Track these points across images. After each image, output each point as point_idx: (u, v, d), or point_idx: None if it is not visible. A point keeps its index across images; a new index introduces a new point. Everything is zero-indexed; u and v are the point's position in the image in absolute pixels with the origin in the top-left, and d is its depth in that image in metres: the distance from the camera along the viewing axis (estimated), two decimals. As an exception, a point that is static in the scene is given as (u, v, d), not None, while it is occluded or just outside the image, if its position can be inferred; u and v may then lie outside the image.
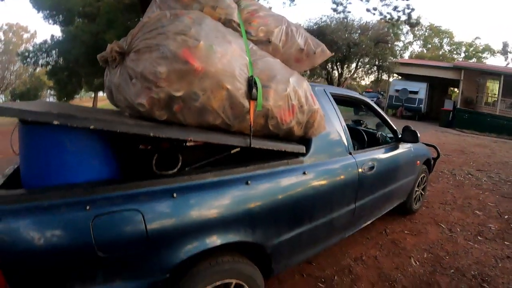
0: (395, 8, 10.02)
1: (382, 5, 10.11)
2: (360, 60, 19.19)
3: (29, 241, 1.26)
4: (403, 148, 3.43)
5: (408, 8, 10.07)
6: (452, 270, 2.98)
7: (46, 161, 1.46)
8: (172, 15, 1.58)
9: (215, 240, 1.64)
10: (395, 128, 3.46)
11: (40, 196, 1.34)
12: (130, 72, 1.52)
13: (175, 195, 1.52)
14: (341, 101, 3.06)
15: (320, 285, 2.66)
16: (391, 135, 3.69)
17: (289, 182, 2.02)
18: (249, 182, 1.79)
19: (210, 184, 1.66)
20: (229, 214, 1.71)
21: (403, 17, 10.32)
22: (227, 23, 1.85)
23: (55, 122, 1.28)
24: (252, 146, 1.78)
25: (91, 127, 1.33)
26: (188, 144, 1.82)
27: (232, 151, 1.85)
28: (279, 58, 2.01)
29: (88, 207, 1.33)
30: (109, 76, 2.19)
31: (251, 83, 1.66)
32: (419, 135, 3.29)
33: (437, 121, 18.74)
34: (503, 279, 2.90)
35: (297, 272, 2.80)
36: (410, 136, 3.27)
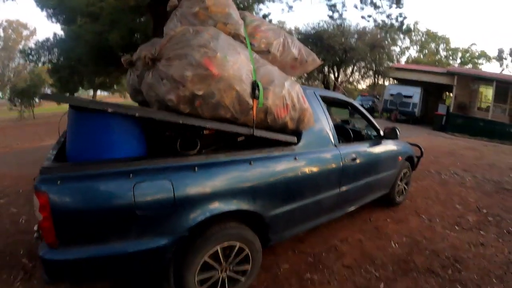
0: (388, 16, 10.51)
1: (376, 13, 10.61)
2: (356, 64, 19.59)
3: (81, 200, 1.71)
4: (385, 144, 3.88)
5: (401, 16, 10.57)
6: (428, 252, 3.36)
7: (93, 140, 1.90)
8: (194, 31, 2.03)
9: (225, 207, 2.10)
10: (378, 127, 3.93)
11: (93, 166, 1.77)
12: (162, 74, 1.97)
13: (196, 169, 1.99)
14: (330, 102, 3.57)
15: (310, 259, 3.09)
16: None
17: (283, 165, 2.50)
18: (252, 162, 2.27)
19: (222, 163, 2.14)
20: (236, 187, 2.19)
21: (396, 24, 10.79)
22: (236, 36, 2.31)
23: (110, 110, 1.73)
24: (254, 134, 2.27)
25: (136, 114, 1.79)
26: (204, 132, 2.30)
27: (239, 139, 2.36)
28: (277, 65, 2.50)
29: (131, 175, 1.78)
30: (132, 76, 2.66)
31: (254, 86, 2.14)
32: (398, 133, 3.75)
33: (431, 125, 19.07)
34: (474, 261, 3.24)
35: (290, 249, 3.24)
36: (391, 133, 3.75)
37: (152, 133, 2.29)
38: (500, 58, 45.16)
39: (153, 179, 1.86)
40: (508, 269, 3.14)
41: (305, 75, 18.66)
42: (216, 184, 2.08)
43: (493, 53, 55.83)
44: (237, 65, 2.05)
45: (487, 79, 20.10)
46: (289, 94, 2.34)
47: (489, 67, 50.72)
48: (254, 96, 2.13)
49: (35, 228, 2.12)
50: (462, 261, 3.22)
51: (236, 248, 2.25)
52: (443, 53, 47.05)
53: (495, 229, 4.08)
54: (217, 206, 2.06)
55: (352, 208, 3.57)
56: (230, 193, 2.14)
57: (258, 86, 2.14)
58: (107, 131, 1.89)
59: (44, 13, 17.73)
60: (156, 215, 1.87)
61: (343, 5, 14.99)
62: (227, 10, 2.32)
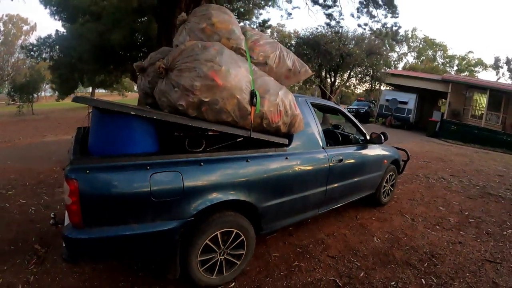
0: (384, 25, 10.87)
1: (372, 22, 10.97)
2: (353, 70, 19.82)
3: (106, 188, 2.03)
4: (371, 148, 4.23)
5: (396, 26, 10.95)
6: (407, 247, 3.64)
7: (115, 137, 2.24)
8: (202, 46, 2.38)
9: (225, 197, 2.46)
10: (365, 132, 4.26)
11: (116, 159, 2.11)
12: (174, 83, 2.32)
13: (202, 164, 2.36)
14: (320, 108, 3.94)
15: (298, 249, 3.43)
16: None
17: (275, 163, 2.88)
18: (248, 160, 2.65)
19: (224, 159, 2.51)
20: (234, 180, 2.55)
21: (391, 33, 11.16)
22: (237, 50, 2.66)
23: (132, 113, 2.07)
24: (251, 136, 2.65)
25: (154, 117, 2.13)
26: (209, 133, 2.67)
27: (238, 140, 2.73)
28: (273, 75, 2.85)
29: (148, 167, 2.13)
30: (143, 81, 2.99)
31: (252, 95, 2.51)
32: (383, 138, 4.09)
33: (425, 131, 19.31)
34: (450, 256, 3.51)
35: (281, 241, 3.58)
36: (376, 138, 4.09)
37: (163, 132, 2.61)
38: (496, 66, 45.53)
39: (166, 171, 2.20)
40: (483, 265, 3.39)
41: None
42: (218, 177, 2.44)
43: (489, 61, 56.38)
44: (238, 77, 2.41)
45: (481, 87, 20.31)
46: (282, 101, 2.71)
47: (486, 75, 51.03)
48: (252, 103, 2.50)
49: (52, 215, 2.46)
50: (439, 256, 3.50)
51: (233, 234, 2.60)
52: (440, 60, 47.41)
53: (475, 230, 4.33)
54: (218, 196, 2.42)
55: (337, 205, 3.90)
56: (229, 186, 2.50)
57: (256, 95, 2.51)
58: (127, 130, 2.22)
59: (47, 10, 17.90)
60: (167, 202, 2.21)
61: (340, 14, 15.36)
62: (230, 27, 2.66)
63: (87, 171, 1.97)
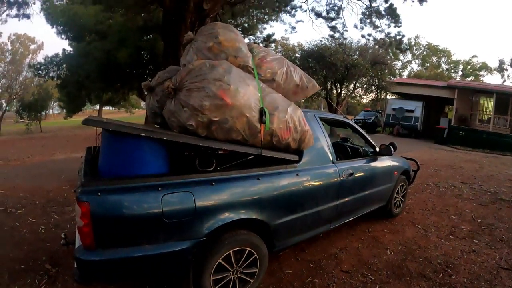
0: (387, 35, 10.93)
1: (376, 32, 11.06)
2: (359, 80, 19.88)
3: (118, 209, 2.03)
4: (381, 160, 4.21)
5: (399, 35, 11.02)
6: (421, 259, 3.60)
7: (125, 158, 2.25)
8: (210, 65, 2.40)
9: (237, 216, 2.45)
10: (374, 144, 4.25)
11: (127, 180, 2.11)
12: (183, 103, 2.33)
13: (213, 183, 2.36)
14: (328, 122, 3.94)
15: (311, 265, 3.39)
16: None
17: (286, 180, 2.87)
18: (259, 178, 2.65)
19: (235, 178, 2.51)
20: (246, 199, 2.55)
21: (395, 43, 11.22)
22: (244, 68, 2.66)
23: (142, 134, 2.08)
24: (262, 154, 2.64)
25: (165, 138, 2.14)
26: (219, 152, 2.67)
27: (248, 158, 2.72)
28: (281, 92, 2.86)
29: (160, 188, 2.14)
30: (152, 100, 3.01)
31: (261, 112, 2.51)
32: (392, 149, 4.07)
33: (433, 139, 19.20)
34: (465, 266, 3.47)
35: (293, 257, 3.54)
36: (385, 150, 4.08)
37: (173, 152, 2.62)
38: (501, 69, 45.42)
39: (178, 191, 2.21)
40: (498, 273, 3.35)
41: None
42: (229, 197, 2.44)
43: (494, 64, 56.18)
44: (247, 95, 2.42)
45: (487, 91, 20.34)
46: (291, 118, 2.71)
47: (491, 79, 51.16)
48: (261, 121, 2.50)
49: (62, 235, 2.46)
50: (454, 266, 3.45)
51: (246, 253, 2.58)
52: (444, 66, 47.43)
53: (488, 238, 4.28)
54: (230, 215, 2.41)
55: (349, 219, 3.87)
56: (241, 204, 2.50)
57: (265, 112, 2.51)
58: (138, 151, 2.23)
59: (54, 29, 18.23)
60: (180, 222, 2.20)
61: (344, 25, 15.52)
62: (237, 45, 2.67)
63: (99, 193, 1.98)
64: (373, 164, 4.08)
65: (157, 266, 2.20)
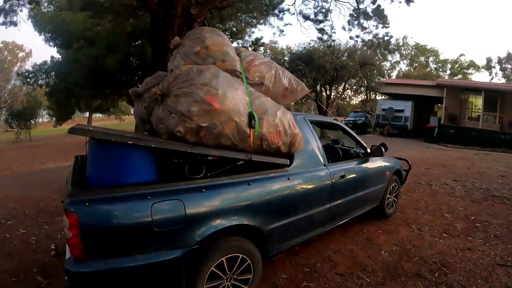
0: (375, 36, 11.01)
1: (364, 33, 11.14)
2: (348, 82, 19.96)
3: (107, 220, 1.98)
4: (372, 161, 4.21)
5: (387, 36, 11.10)
6: (416, 258, 3.59)
7: (113, 167, 2.20)
8: (198, 70, 2.36)
9: (228, 222, 2.41)
10: (365, 145, 4.24)
11: (115, 189, 2.07)
12: (170, 109, 2.29)
13: (203, 190, 2.31)
14: (319, 125, 3.92)
15: (306, 269, 3.36)
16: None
17: (277, 185, 2.83)
18: (250, 183, 2.60)
19: (225, 184, 2.47)
20: (237, 205, 2.51)
21: (383, 44, 11.30)
22: (232, 72, 2.63)
23: (130, 142, 2.04)
24: (252, 159, 2.61)
25: (152, 145, 2.10)
26: (209, 158, 2.63)
27: (238, 163, 2.69)
28: (269, 95, 2.83)
29: (149, 197, 2.09)
30: (140, 107, 2.96)
31: (251, 117, 2.48)
32: (384, 150, 4.07)
33: (423, 138, 19.36)
34: (461, 264, 3.46)
35: (287, 261, 3.50)
36: (376, 151, 4.07)
37: (162, 159, 2.57)
38: (488, 67, 46.02)
39: (167, 199, 2.16)
40: (494, 270, 3.36)
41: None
42: (220, 203, 2.40)
43: (481, 62, 56.83)
44: (235, 99, 2.39)
45: (476, 89, 20.58)
46: (281, 121, 2.68)
47: (479, 77, 51.70)
48: (251, 125, 2.47)
49: (52, 246, 2.41)
50: (449, 265, 3.45)
51: (239, 259, 2.54)
52: (433, 66, 47.95)
53: (483, 234, 4.30)
54: (222, 222, 2.37)
55: (343, 221, 3.84)
56: (232, 210, 2.46)
57: (254, 117, 2.48)
58: (125, 160, 2.18)
59: (42, 37, 18.08)
60: (170, 231, 2.16)
61: (332, 28, 15.64)
62: (224, 49, 2.64)
63: (87, 204, 1.93)
64: (364, 165, 4.07)
65: (149, 276, 2.15)
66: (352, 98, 26.34)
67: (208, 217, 2.31)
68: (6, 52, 41.71)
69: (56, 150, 16.01)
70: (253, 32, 17.03)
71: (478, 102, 20.71)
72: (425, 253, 3.74)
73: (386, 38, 11.23)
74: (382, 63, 28.20)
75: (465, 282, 3.13)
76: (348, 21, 11.31)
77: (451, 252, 3.79)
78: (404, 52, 47.86)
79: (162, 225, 2.11)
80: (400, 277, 3.22)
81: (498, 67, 45.32)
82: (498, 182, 7.58)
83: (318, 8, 11.80)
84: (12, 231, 4.35)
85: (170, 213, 2.16)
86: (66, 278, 2.02)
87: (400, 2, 9.81)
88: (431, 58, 48.19)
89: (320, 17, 11.78)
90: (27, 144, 21.15)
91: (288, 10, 12.61)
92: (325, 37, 12.65)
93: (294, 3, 12.82)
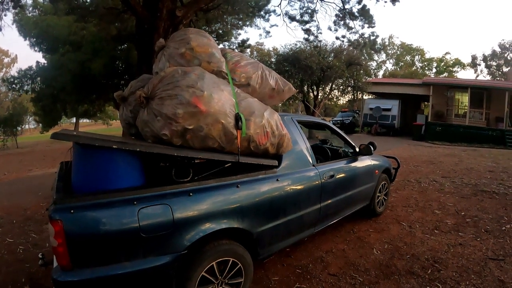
0: (361, 36, 11.09)
1: (350, 33, 11.21)
2: (335, 82, 20.05)
3: (93, 227, 1.93)
4: (361, 160, 4.21)
5: (373, 35, 11.20)
6: (408, 256, 3.59)
7: (98, 172, 2.14)
8: (182, 71, 2.32)
9: (217, 226, 2.37)
10: (353, 144, 4.24)
11: (101, 196, 2.01)
12: (156, 112, 2.25)
13: (191, 194, 2.27)
14: (307, 125, 3.91)
15: (298, 270, 3.33)
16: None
17: (266, 186, 2.80)
18: (239, 185, 2.57)
19: (213, 187, 2.43)
20: (226, 208, 2.47)
21: (369, 43, 11.39)
22: (218, 73, 2.60)
23: (114, 146, 1.99)
24: (240, 161, 2.56)
25: (138, 149, 2.05)
26: (196, 161, 2.58)
27: (226, 165, 2.65)
28: (256, 96, 2.80)
29: (135, 202, 2.04)
30: (125, 111, 2.91)
31: (237, 118, 2.44)
32: (372, 149, 4.07)
33: (411, 136, 19.57)
34: (453, 260, 3.48)
35: (279, 263, 3.48)
36: (365, 150, 4.07)
37: (148, 163, 2.53)
38: (474, 64, 46.64)
39: (154, 204, 2.12)
40: (486, 264, 3.39)
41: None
42: (209, 206, 2.35)
43: (467, 60, 57.57)
44: (221, 101, 2.35)
45: (461, 86, 20.74)
46: (268, 122, 2.65)
47: (465, 74, 52.33)
48: (237, 127, 2.43)
49: (40, 255, 2.35)
50: (441, 261, 3.46)
51: (230, 263, 2.49)
52: (418, 64, 48.46)
53: (473, 229, 4.34)
54: (210, 226, 2.33)
55: (333, 221, 3.83)
56: (221, 214, 2.41)
57: (241, 118, 2.44)
58: (110, 164, 2.13)
59: (27, 42, 17.87)
60: (158, 236, 2.11)
61: (318, 28, 15.73)
62: (210, 50, 2.60)
63: (72, 211, 1.87)
64: (353, 164, 4.07)
65: (138, 283, 2.10)
66: (339, 98, 26.48)
67: (197, 221, 2.27)
68: (-10, 58, 41.13)
69: (43, 156, 15.78)
70: (239, 34, 17.11)
71: (464, 99, 20.91)
72: (417, 250, 3.74)
73: (372, 37, 11.36)
74: (369, 63, 28.46)
75: (458, 278, 3.14)
76: (334, 22, 11.41)
77: (443, 248, 3.80)
78: (390, 51, 48.40)
79: (150, 231, 2.07)
80: (393, 275, 3.21)
81: (483, 64, 46.00)
82: (486, 177, 7.67)
83: (304, 9, 11.89)
84: (-1, 240, 4.24)
85: (158, 218, 2.11)
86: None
87: (385, 2, 9.91)
88: (416, 57, 48.71)
89: (306, 17, 11.86)
90: (13, 151, 20.84)
91: (274, 11, 12.69)
92: (311, 37, 12.74)
93: (279, 4, 12.85)
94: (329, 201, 3.51)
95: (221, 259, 2.43)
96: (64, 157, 2.98)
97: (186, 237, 2.21)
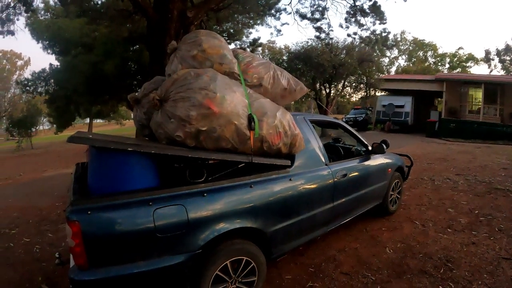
0: (373, 32, 11.02)
1: (361, 30, 11.15)
2: (347, 79, 19.95)
3: (109, 227, 1.99)
4: (374, 159, 4.19)
5: (385, 32, 11.12)
6: (421, 255, 3.57)
7: (113, 174, 2.19)
8: (195, 74, 2.36)
9: (231, 225, 2.40)
10: (366, 143, 4.23)
11: (117, 197, 2.06)
12: (169, 114, 2.29)
13: (205, 194, 2.31)
14: (319, 124, 3.92)
15: (310, 269, 3.35)
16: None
17: (279, 186, 2.82)
18: (252, 185, 2.60)
19: (227, 187, 2.46)
20: (240, 208, 2.50)
21: (380, 40, 11.32)
22: (230, 74, 2.62)
23: (129, 149, 2.03)
24: (253, 161, 2.60)
25: (152, 151, 2.10)
26: (209, 161, 2.62)
27: (239, 166, 2.69)
28: (268, 96, 2.82)
29: (150, 203, 2.09)
30: (139, 113, 2.96)
31: (250, 119, 2.47)
32: (385, 147, 4.05)
33: (424, 132, 19.26)
34: (465, 259, 3.45)
35: (291, 261, 3.50)
36: (378, 148, 4.06)
37: (163, 165, 2.57)
38: (487, 59, 45.78)
39: (169, 205, 2.16)
40: (499, 264, 3.34)
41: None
42: (223, 206, 2.39)
43: (480, 55, 56.63)
44: (234, 102, 2.39)
45: (475, 82, 20.52)
46: (281, 122, 2.68)
47: (478, 69, 51.43)
48: (250, 128, 2.47)
49: (56, 255, 2.41)
50: (454, 260, 3.43)
51: (243, 262, 2.53)
52: (431, 60, 47.86)
53: (487, 228, 4.28)
54: (224, 225, 2.37)
55: (346, 220, 3.83)
56: (234, 213, 2.45)
57: (253, 118, 2.47)
58: (126, 166, 2.18)
59: (40, 45, 18.15)
60: (173, 236, 2.16)
61: (329, 26, 15.69)
62: (221, 51, 2.63)
63: (89, 212, 1.93)
64: (366, 163, 4.06)
65: (153, 282, 2.14)
66: (352, 95, 26.24)
67: (211, 221, 2.31)
68: (4, 61, 41.73)
69: (57, 157, 16.04)
70: (250, 33, 17.14)
71: (478, 95, 20.64)
72: (430, 249, 3.72)
73: (383, 34, 11.27)
74: (381, 59, 28.14)
75: (471, 277, 3.11)
76: (345, 19, 11.35)
77: (456, 247, 3.76)
78: (402, 47, 47.90)
79: (165, 231, 2.11)
80: (405, 274, 3.20)
81: (497, 59, 45.11)
82: (500, 175, 7.55)
83: (315, 6, 11.86)
84: (16, 240, 4.35)
85: (173, 219, 2.16)
86: (70, 286, 2.01)
87: (396, -2, 9.81)
88: (429, 53, 48.13)
89: (317, 15, 11.83)
90: (28, 152, 21.20)
91: (285, 9, 12.64)
92: (322, 35, 12.71)
93: (290, 2, 12.87)
94: (342, 200, 3.52)
95: (234, 258, 2.47)
96: (78, 158, 3.03)
97: (200, 237, 2.25)
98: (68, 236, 1.92)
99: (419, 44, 47.55)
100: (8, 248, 4.08)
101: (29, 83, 19.46)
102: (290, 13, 11.91)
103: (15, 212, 5.64)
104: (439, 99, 24.43)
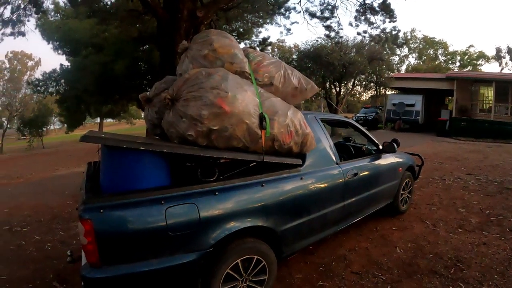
0: (383, 30, 10.94)
1: (371, 28, 11.08)
2: (357, 78, 19.87)
3: (121, 225, 2.01)
4: (385, 158, 4.17)
5: (395, 30, 11.04)
6: (431, 255, 3.55)
7: (126, 173, 2.22)
8: (206, 73, 2.37)
9: (242, 224, 2.42)
10: (377, 142, 4.21)
11: (129, 195, 2.09)
12: (181, 113, 2.31)
13: (216, 193, 2.33)
14: (330, 123, 3.91)
15: (321, 268, 3.35)
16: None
17: (290, 185, 2.83)
18: (263, 184, 2.61)
19: (238, 186, 2.48)
20: (251, 207, 2.52)
21: (390, 38, 11.24)
22: (241, 74, 2.63)
23: (142, 148, 2.06)
24: (264, 160, 2.61)
25: (165, 150, 2.12)
26: (221, 160, 2.64)
27: (251, 165, 2.71)
28: (279, 95, 2.82)
29: (162, 202, 2.11)
30: (150, 112, 2.98)
31: (261, 118, 2.48)
32: (395, 146, 4.03)
33: (434, 131, 19.11)
34: (476, 259, 3.42)
35: (302, 260, 3.50)
36: (388, 148, 4.04)
37: (174, 164, 2.59)
38: (498, 57, 45.16)
39: (181, 204, 2.18)
40: (510, 264, 3.30)
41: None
42: (234, 205, 2.41)
43: (491, 52, 55.81)
44: (245, 101, 2.40)
45: (486, 80, 20.27)
46: (292, 122, 2.68)
47: (489, 67, 50.47)
48: (262, 127, 2.47)
49: (68, 252, 2.44)
50: (465, 261, 3.40)
51: (254, 261, 2.54)
52: (442, 58, 47.43)
53: (498, 229, 4.23)
54: (235, 224, 2.38)
55: (357, 219, 3.82)
56: (246, 212, 2.46)
57: (264, 118, 2.48)
58: (138, 165, 2.20)
59: (51, 45, 18.33)
60: (185, 235, 2.17)
61: (339, 24, 15.61)
62: (232, 51, 2.64)
63: (101, 210, 1.95)
64: (377, 162, 4.04)
65: (164, 280, 2.17)
66: (362, 94, 26.12)
67: (222, 219, 2.33)
68: (15, 61, 42.18)
69: (68, 156, 16.23)
70: (260, 32, 17.11)
71: (489, 93, 20.38)
72: (440, 249, 3.69)
73: (393, 32, 11.18)
74: (391, 58, 27.98)
75: (481, 278, 3.08)
76: (355, 17, 11.27)
77: (466, 247, 3.73)
78: (412, 45, 47.45)
79: (177, 229, 2.13)
80: (416, 274, 3.19)
81: (508, 57, 44.43)
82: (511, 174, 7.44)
83: (324, 5, 11.80)
84: (28, 238, 4.41)
85: (184, 217, 2.17)
86: (82, 284, 2.04)
87: (406, -5, 9.74)
88: (440, 51, 47.68)
89: (327, 14, 11.76)
90: (39, 151, 21.51)
91: (294, 8, 12.63)
92: (332, 34, 12.63)
93: (300, 1, 12.83)
94: (353, 199, 3.51)
95: (245, 257, 2.48)
96: (89, 157, 3.07)
97: (211, 235, 2.26)
98: (81, 234, 1.95)
99: (429, 42, 47.11)
100: (20, 246, 4.14)
101: (40, 83, 19.62)
102: (300, 12, 11.88)
103: (27, 211, 5.71)
104: (450, 97, 24.20)
